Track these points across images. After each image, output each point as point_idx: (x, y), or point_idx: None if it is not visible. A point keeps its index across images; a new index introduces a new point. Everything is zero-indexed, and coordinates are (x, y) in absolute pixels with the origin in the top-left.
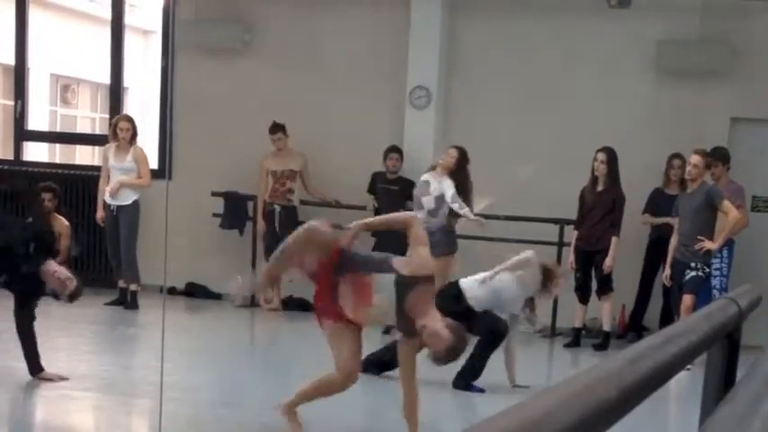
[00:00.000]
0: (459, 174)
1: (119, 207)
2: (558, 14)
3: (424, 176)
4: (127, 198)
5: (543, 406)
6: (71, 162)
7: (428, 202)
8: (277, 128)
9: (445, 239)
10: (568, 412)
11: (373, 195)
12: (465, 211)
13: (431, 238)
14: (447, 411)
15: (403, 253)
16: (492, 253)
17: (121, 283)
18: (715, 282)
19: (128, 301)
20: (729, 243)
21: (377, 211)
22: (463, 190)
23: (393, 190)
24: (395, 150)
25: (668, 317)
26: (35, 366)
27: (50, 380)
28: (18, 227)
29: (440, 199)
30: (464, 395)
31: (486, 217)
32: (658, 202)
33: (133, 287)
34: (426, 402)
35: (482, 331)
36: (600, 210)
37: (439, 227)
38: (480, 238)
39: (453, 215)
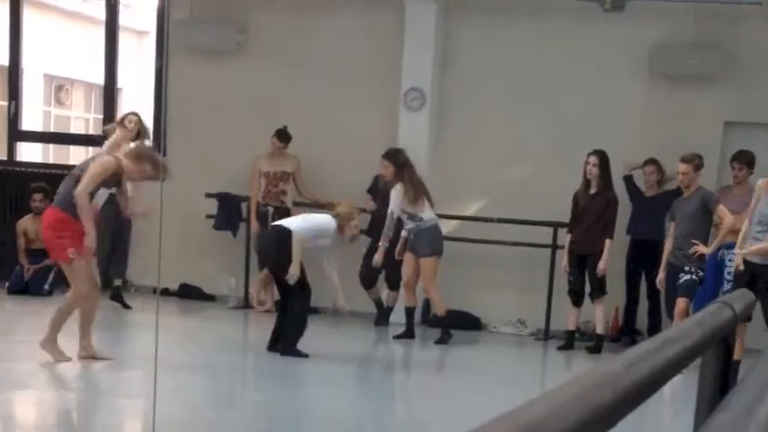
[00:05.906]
0: (401, 178)
1: None
2: (552, 18)
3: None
4: None
5: (537, 411)
6: (65, 162)
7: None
8: (284, 136)
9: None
10: (563, 418)
11: (371, 195)
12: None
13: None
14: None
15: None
16: (484, 256)
17: (117, 282)
18: (729, 287)
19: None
20: None
21: (375, 212)
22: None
23: None
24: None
25: (655, 320)
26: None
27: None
28: None
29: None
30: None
31: (480, 220)
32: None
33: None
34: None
35: None
36: (593, 213)
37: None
38: (473, 240)
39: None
